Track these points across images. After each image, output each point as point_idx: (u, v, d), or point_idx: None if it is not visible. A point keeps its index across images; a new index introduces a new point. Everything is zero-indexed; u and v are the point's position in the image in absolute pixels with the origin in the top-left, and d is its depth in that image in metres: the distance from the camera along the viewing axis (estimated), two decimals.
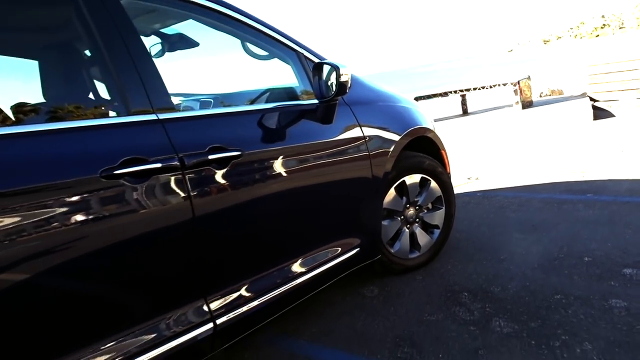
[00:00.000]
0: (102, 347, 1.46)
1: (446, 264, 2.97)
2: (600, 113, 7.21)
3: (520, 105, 9.54)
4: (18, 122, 1.45)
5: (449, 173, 3.15)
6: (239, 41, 2.32)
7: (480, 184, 4.86)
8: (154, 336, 1.59)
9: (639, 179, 4.14)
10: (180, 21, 2.20)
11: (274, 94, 2.34)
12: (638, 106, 7.21)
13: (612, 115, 7.20)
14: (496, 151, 6.55)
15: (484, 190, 4.61)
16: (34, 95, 1.72)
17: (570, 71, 20.61)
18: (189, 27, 2.19)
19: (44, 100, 1.72)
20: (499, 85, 10.02)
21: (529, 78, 9.76)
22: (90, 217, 1.42)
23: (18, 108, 1.49)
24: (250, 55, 2.36)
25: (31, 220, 1.29)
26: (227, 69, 2.58)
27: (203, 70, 2.55)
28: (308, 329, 2.44)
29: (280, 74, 2.39)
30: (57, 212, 1.35)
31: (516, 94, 9.55)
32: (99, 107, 1.76)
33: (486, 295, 2.53)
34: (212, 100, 2.28)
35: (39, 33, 1.84)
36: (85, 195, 1.41)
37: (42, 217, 1.32)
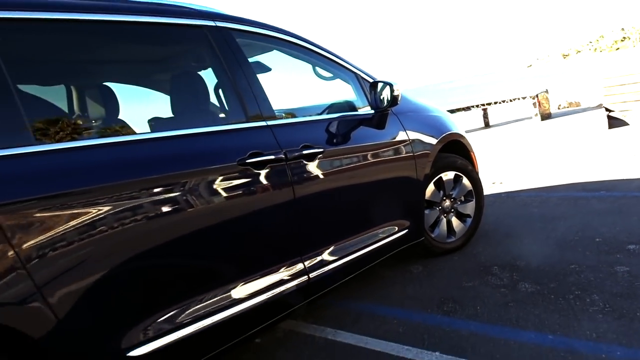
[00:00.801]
0: (241, 285, 2.08)
1: (478, 247, 3.52)
2: (615, 122, 7.69)
3: (539, 117, 10.05)
4: (190, 126, 2.09)
5: (478, 171, 3.71)
6: (310, 66, 2.96)
7: (504, 187, 5.39)
8: (272, 283, 2.20)
9: None
10: (268, 52, 2.85)
11: (338, 106, 2.96)
12: None
13: (626, 124, 7.66)
14: (517, 159, 7.07)
15: (507, 192, 5.15)
16: (189, 106, 2.35)
17: (587, 84, 20.95)
18: (274, 56, 2.83)
19: (198, 111, 2.36)
20: (519, 99, 10.55)
21: (546, 91, 10.26)
22: (231, 191, 2.04)
23: (187, 116, 2.15)
24: (318, 77, 3.00)
25: (200, 191, 1.92)
26: (302, 87, 3.22)
27: (285, 87, 3.19)
28: (368, 294, 3.01)
29: (342, 91, 3.02)
30: (212, 186, 1.98)
31: (535, 106, 10.07)
32: (230, 116, 2.39)
33: (513, 267, 3.07)
34: (296, 111, 2.91)
35: (192, 64, 2.51)
36: (228, 175, 2.04)
37: (204, 189, 1.95)
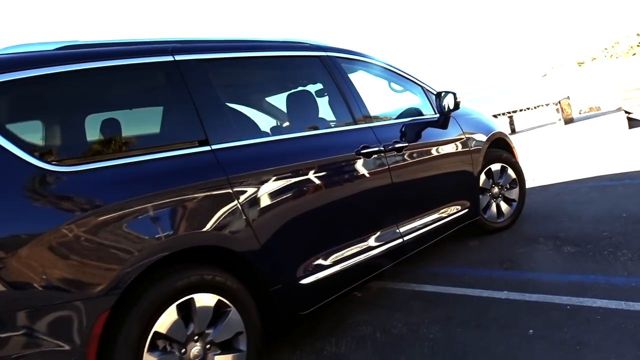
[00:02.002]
0: (366, 238, 2.87)
1: (522, 226, 4.24)
2: (634, 123, 8.34)
3: (562, 122, 10.73)
4: (326, 127, 2.89)
5: (519, 163, 4.45)
6: (386, 82, 3.76)
7: (537, 182, 6.09)
8: (382, 241, 2.97)
9: None
10: (354, 72, 3.65)
11: (409, 112, 3.74)
12: None
13: None
14: (546, 159, 7.75)
15: (541, 186, 5.85)
16: (324, 113, 3.16)
17: (605, 90, 21.49)
18: (359, 75, 3.64)
19: (329, 117, 3.16)
20: (542, 105, 11.26)
21: (568, 98, 10.95)
22: (353, 172, 2.83)
23: (324, 120, 2.96)
24: (392, 90, 3.80)
25: (336, 171, 2.71)
26: (381, 98, 4.02)
27: (369, 98, 4.01)
28: (438, 261, 3.76)
29: (410, 100, 3.81)
30: (342, 168, 2.77)
31: (558, 112, 10.77)
32: (344, 120, 3.18)
33: (555, 237, 3.78)
34: (382, 116, 3.70)
35: (314, 82, 3.34)
36: (350, 162, 2.83)
37: (338, 170, 2.74)
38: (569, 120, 10.87)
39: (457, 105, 3.60)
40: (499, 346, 2.37)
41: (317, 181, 2.62)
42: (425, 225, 3.35)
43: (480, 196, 4.07)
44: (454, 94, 3.60)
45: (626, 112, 8.75)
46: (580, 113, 12.77)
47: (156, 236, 1.98)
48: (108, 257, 1.85)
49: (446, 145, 3.64)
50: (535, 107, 11.44)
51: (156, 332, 1.96)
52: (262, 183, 2.37)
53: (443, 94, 3.68)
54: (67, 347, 1.72)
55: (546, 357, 2.19)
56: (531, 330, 2.45)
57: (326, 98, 3.15)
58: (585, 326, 2.38)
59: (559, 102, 10.70)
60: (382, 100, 3.78)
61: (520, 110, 11.82)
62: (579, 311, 2.55)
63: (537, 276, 3.13)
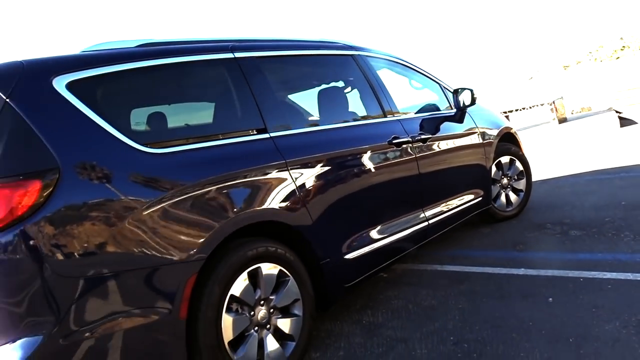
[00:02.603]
0: (398, 219, 3.16)
1: (529, 214, 4.57)
2: (624, 122, 8.77)
3: (556, 121, 11.16)
4: (364, 119, 3.18)
5: (526, 156, 4.78)
6: (407, 79, 4.06)
7: (537, 177, 6.42)
8: (407, 225, 3.26)
9: None
10: (380, 70, 3.94)
11: (428, 107, 4.05)
12: None
13: (634, 123, 8.73)
14: (544, 156, 8.12)
15: (541, 180, 6.19)
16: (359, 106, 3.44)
17: (594, 91, 22.11)
18: (383, 72, 3.93)
19: (365, 109, 3.44)
20: (537, 105, 11.70)
21: (562, 98, 11.39)
22: (386, 160, 3.12)
23: (360, 112, 3.25)
24: (413, 87, 4.10)
25: (372, 158, 3.00)
26: (403, 95, 4.33)
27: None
28: (455, 246, 4.06)
29: (429, 97, 4.11)
30: (378, 155, 3.06)
31: (552, 112, 11.19)
32: (375, 113, 3.46)
33: (562, 223, 4.11)
34: (405, 110, 4.00)
35: (350, 79, 3.62)
36: (383, 150, 3.13)
37: (374, 157, 3.03)
38: (562, 120, 11.29)
39: (473, 101, 3.91)
40: (524, 312, 2.67)
41: (358, 167, 2.92)
42: (446, 210, 3.65)
43: (492, 187, 4.38)
44: (471, 91, 3.91)
45: (616, 111, 9.18)
46: (572, 113, 13.24)
47: (233, 210, 2.25)
48: (194, 227, 2.11)
49: (463, 138, 3.95)
50: (530, 107, 11.87)
51: (232, 295, 2.22)
52: (313, 167, 2.65)
53: (460, 90, 3.99)
54: (165, 305, 1.98)
55: (567, 318, 2.49)
56: (550, 299, 2.76)
57: (359, 92, 3.44)
58: (598, 294, 2.70)
59: (554, 102, 11.13)
60: (401, 96, 4.08)
61: (516, 110, 12.24)
62: (591, 282, 2.87)
63: (549, 255, 3.44)
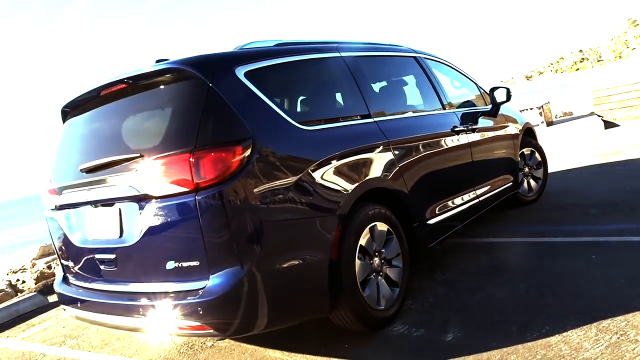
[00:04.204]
0: (458, 197, 3.74)
1: (548, 199, 5.23)
2: (609, 124, 9.65)
3: (544, 124, 12.08)
4: (432, 110, 3.76)
5: (543, 148, 5.46)
6: (449, 79, 4.68)
7: None
8: (466, 199, 3.85)
9: None
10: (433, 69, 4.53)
11: (468, 103, 4.66)
12: (634, 117, 9.67)
13: (617, 125, 9.63)
14: None
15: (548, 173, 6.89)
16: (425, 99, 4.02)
17: (571, 97, 23.51)
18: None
19: (430, 102, 4.02)
20: (527, 109, 12.63)
21: (549, 102, 12.36)
22: (451, 145, 3.71)
23: (428, 104, 3.84)
24: (453, 86, 4.72)
25: (441, 143, 3.59)
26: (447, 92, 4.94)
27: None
28: (491, 225, 4.67)
29: (467, 94, 4.74)
30: (444, 141, 3.65)
31: (541, 115, 12.11)
32: (436, 106, 4.03)
33: (579, 205, 4.77)
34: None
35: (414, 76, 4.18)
36: (449, 136, 3.71)
37: (442, 142, 3.61)
38: (549, 123, 12.21)
39: (509, 98, 4.55)
40: (575, 264, 3.27)
41: (435, 148, 3.52)
42: (489, 190, 4.26)
43: None
44: (507, 89, 4.54)
45: (598, 115, 10.06)
46: (556, 117, 14.24)
47: (362, 176, 2.79)
48: (339, 189, 2.65)
49: (499, 130, 4.58)
50: (520, 111, 12.74)
51: (360, 246, 2.75)
52: (406, 146, 3.21)
53: (496, 89, 4.62)
54: (324, 247, 2.51)
55: (612, 268, 3.10)
56: (593, 256, 3.38)
57: (424, 87, 4.03)
58: (633, 251, 3.33)
59: (542, 106, 12.06)
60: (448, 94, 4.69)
61: None
62: (624, 244, 3.50)
63: (579, 227, 4.08)
